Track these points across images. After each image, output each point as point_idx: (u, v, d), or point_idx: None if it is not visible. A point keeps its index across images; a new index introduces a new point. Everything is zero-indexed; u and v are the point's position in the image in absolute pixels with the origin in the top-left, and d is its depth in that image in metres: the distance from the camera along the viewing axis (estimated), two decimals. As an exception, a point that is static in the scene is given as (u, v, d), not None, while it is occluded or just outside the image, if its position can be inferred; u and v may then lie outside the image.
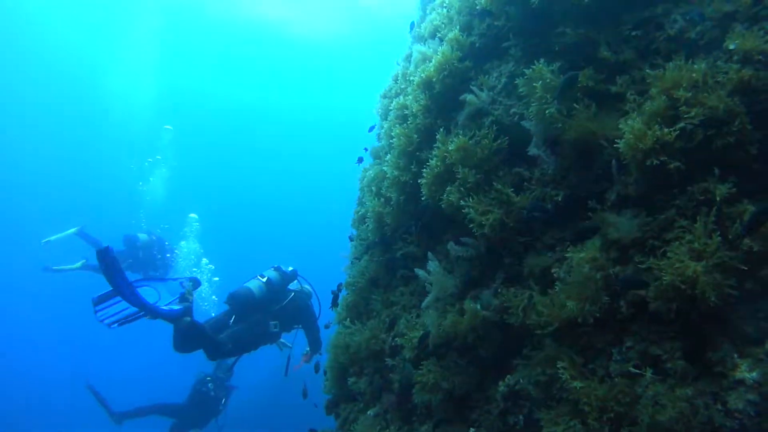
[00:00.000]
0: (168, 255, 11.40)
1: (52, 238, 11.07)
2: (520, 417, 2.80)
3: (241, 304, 6.11)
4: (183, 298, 5.17)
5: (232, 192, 34.99)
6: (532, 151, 2.94)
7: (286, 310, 6.46)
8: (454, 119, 3.52)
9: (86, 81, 30.01)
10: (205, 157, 33.18)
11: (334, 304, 4.93)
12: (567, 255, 2.69)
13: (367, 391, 4.00)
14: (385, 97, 4.67)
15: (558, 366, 2.50)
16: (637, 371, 2.27)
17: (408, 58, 4.53)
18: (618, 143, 2.46)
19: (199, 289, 5.44)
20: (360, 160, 4.75)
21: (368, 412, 3.95)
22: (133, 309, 4.67)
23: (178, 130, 24.99)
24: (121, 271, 4.38)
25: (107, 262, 4.19)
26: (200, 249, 18.77)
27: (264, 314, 6.30)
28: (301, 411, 5.34)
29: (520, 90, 2.96)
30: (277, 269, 6.56)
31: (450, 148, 3.20)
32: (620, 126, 2.51)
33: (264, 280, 6.32)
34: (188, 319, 5.06)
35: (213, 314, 5.59)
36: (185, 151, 26.56)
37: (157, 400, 10.60)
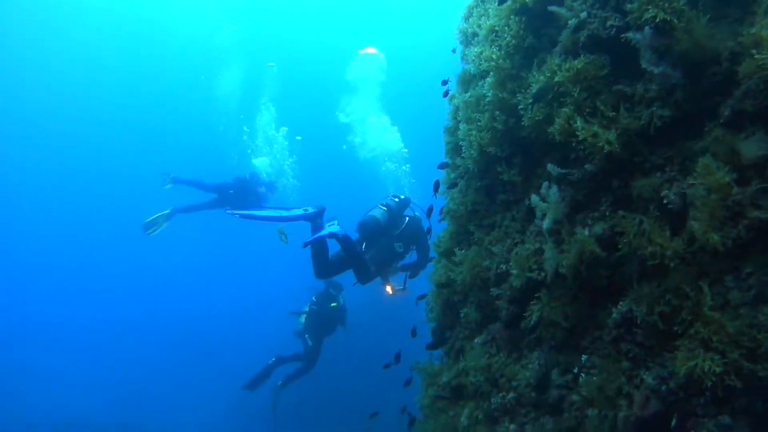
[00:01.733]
0: (262, 189, 12.06)
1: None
2: (634, 345, 2.91)
3: (370, 231, 7.49)
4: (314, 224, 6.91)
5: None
6: (650, 67, 2.85)
7: (404, 234, 7.81)
8: (548, 35, 3.50)
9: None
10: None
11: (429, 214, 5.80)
12: (686, 178, 2.68)
13: (472, 320, 4.24)
14: (468, 17, 4.59)
15: (689, 296, 2.58)
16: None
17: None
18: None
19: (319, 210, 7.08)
20: (445, 93, 4.78)
21: (475, 340, 4.20)
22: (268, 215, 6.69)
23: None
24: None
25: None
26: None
27: (388, 238, 7.72)
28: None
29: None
30: (394, 197, 7.92)
31: (559, 70, 3.21)
32: (750, 34, 2.40)
33: (385, 208, 7.63)
34: (343, 233, 6.71)
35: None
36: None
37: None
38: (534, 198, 3.40)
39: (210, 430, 16.07)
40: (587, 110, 3.12)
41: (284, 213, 6.60)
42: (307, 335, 11.82)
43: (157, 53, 32.58)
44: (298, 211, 6.72)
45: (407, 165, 15.91)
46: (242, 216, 6.32)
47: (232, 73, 23.75)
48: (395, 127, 16.78)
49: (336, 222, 6.84)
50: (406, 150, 16.07)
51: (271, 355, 11.70)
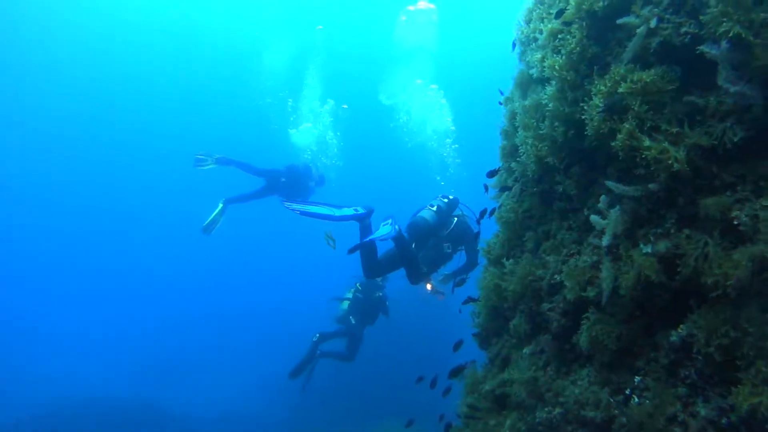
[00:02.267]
0: (312, 183, 12.18)
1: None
2: (692, 371, 2.84)
3: (420, 232, 7.65)
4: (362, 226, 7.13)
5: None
6: (726, 84, 2.74)
7: (452, 234, 8.00)
8: (615, 39, 3.42)
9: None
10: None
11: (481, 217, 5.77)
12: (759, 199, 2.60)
13: (521, 331, 4.20)
14: (528, 21, 4.50)
15: (748, 331, 2.50)
16: None
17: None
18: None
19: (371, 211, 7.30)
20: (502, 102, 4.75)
21: (524, 350, 4.17)
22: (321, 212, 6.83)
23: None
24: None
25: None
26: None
27: (437, 239, 7.96)
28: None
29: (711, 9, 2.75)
30: (443, 197, 8.12)
31: (623, 81, 3.12)
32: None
33: (434, 209, 7.77)
34: (396, 232, 6.98)
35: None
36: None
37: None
38: (593, 218, 3.34)
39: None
40: (649, 124, 3.03)
41: (336, 212, 6.78)
42: (351, 316, 12.07)
43: (203, 26, 33.49)
44: (349, 211, 6.96)
45: (455, 144, 15.73)
46: (302, 213, 6.57)
47: (279, 45, 23.74)
48: (444, 101, 16.51)
49: (390, 221, 7.01)
50: (453, 127, 15.87)
51: (315, 333, 11.94)
